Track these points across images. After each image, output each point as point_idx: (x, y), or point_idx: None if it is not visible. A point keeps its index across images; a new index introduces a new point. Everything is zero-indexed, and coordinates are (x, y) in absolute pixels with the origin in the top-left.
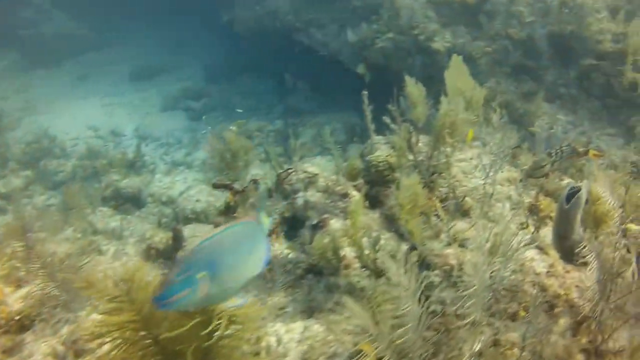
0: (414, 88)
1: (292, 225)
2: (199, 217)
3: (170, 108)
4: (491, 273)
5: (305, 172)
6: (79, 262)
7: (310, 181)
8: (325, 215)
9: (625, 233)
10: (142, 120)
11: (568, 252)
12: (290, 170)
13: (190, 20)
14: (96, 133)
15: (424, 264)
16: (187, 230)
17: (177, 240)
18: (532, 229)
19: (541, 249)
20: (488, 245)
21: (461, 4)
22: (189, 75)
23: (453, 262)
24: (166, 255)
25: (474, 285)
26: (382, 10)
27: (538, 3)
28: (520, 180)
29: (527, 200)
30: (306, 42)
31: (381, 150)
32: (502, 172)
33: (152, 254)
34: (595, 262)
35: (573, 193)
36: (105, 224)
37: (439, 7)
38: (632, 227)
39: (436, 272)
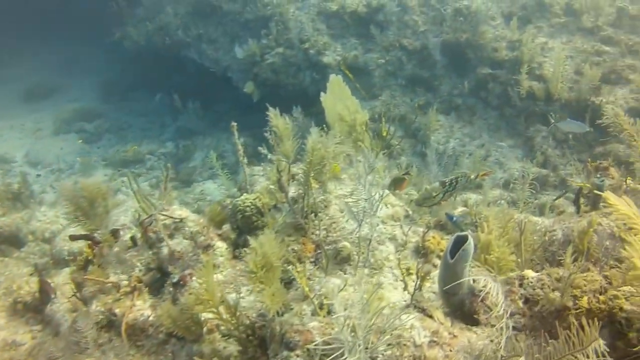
0: (278, 120)
1: (160, 278)
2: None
3: (63, 131)
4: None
5: (170, 217)
6: None
7: (176, 227)
8: (187, 272)
9: (522, 281)
10: (33, 145)
11: (456, 309)
12: (152, 216)
13: (83, 37)
14: None
15: (284, 343)
16: (62, 277)
17: (44, 292)
18: (414, 279)
19: (423, 311)
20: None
21: (352, 15)
22: (83, 94)
23: (317, 338)
24: (35, 309)
25: None
26: (272, 24)
27: (432, 11)
28: (407, 216)
29: (414, 239)
30: (197, 58)
31: (258, 184)
32: (385, 207)
33: (19, 309)
34: None
35: (460, 241)
36: None
37: (330, 19)
38: (529, 273)
39: (297, 352)
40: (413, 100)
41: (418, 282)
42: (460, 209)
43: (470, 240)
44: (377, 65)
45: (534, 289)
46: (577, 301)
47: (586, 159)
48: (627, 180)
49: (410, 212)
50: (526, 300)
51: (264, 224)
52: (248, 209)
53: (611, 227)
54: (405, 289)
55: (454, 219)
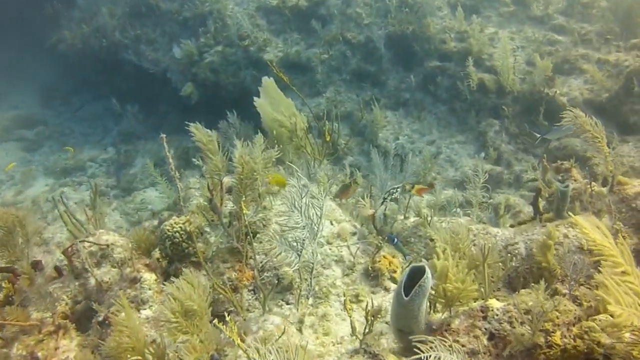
0: (202, 135)
1: (88, 310)
2: None
3: (3, 139)
4: None
5: (96, 243)
6: None
7: (103, 254)
8: (112, 309)
9: (486, 313)
10: None
11: (413, 347)
12: (75, 245)
13: (22, 41)
14: None
15: None
16: None
17: None
18: (363, 313)
19: (375, 356)
20: None
21: (293, 10)
22: (23, 100)
23: None
24: None
25: None
26: (209, 21)
27: (376, 3)
28: (354, 233)
29: (363, 260)
30: (135, 60)
31: (195, 199)
32: (330, 224)
33: None
34: None
35: (415, 272)
36: None
37: (270, 14)
38: (494, 304)
39: None
40: (359, 96)
41: (368, 326)
42: (412, 219)
43: (428, 275)
44: (320, 61)
45: (500, 323)
46: (549, 337)
47: (541, 154)
48: (592, 184)
49: (359, 227)
50: (491, 336)
51: (196, 250)
52: (177, 234)
53: (579, 240)
54: (352, 333)
55: (396, 241)
